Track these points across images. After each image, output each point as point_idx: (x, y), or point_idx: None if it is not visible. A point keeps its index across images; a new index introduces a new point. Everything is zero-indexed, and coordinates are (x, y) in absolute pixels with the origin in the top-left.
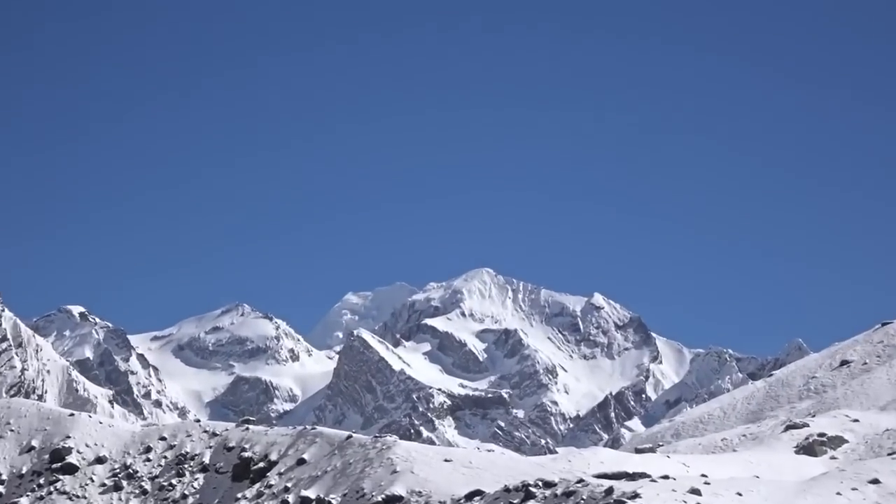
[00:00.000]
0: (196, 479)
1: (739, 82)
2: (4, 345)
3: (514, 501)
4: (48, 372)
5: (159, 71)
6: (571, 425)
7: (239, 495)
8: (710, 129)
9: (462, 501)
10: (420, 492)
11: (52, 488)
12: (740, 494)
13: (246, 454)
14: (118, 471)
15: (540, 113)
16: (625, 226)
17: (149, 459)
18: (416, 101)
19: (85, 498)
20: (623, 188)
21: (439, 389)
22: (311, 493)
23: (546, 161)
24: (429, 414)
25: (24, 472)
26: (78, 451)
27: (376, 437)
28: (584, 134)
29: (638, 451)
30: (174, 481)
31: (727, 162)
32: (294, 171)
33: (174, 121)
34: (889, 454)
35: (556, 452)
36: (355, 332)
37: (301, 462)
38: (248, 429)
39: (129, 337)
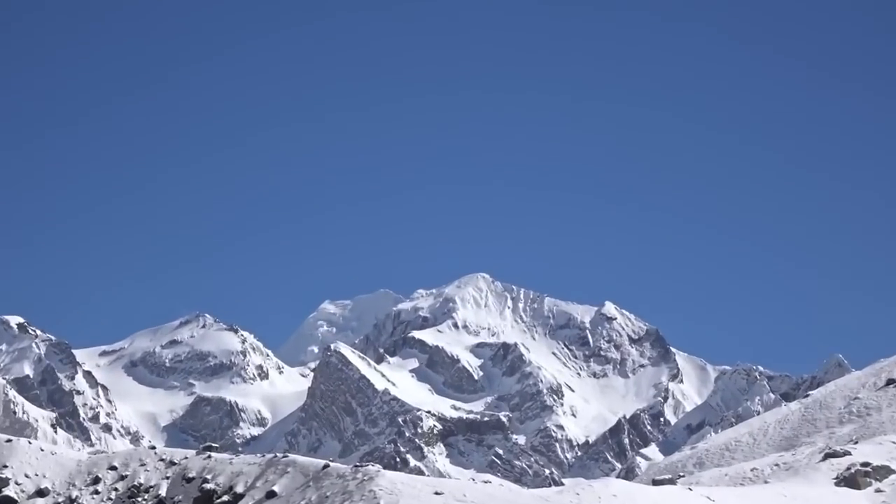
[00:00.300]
0: None
1: (766, 76)
2: None
3: None
4: None
5: (116, 70)
6: (579, 453)
7: None
8: (736, 127)
9: None
10: None
11: None
12: None
13: (208, 486)
14: None
15: (543, 102)
16: (639, 227)
17: (97, 492)
18: (403, 87)
19: None
20: (637, 185)
21: (428, 412)
22: None
23: (550, 155)
24: (417, 440)
25: None
26: (16, 483)
27: (357, 466)
28: (593, 126)
29: (656, 482)
30: None
31: (757, 161)
32: (264, 166)
33: (128, 119)
34: None
35: (563, 484)
36: (332, 347)
37: (271, 495)
38: (210, 457)
39: (75, 352)
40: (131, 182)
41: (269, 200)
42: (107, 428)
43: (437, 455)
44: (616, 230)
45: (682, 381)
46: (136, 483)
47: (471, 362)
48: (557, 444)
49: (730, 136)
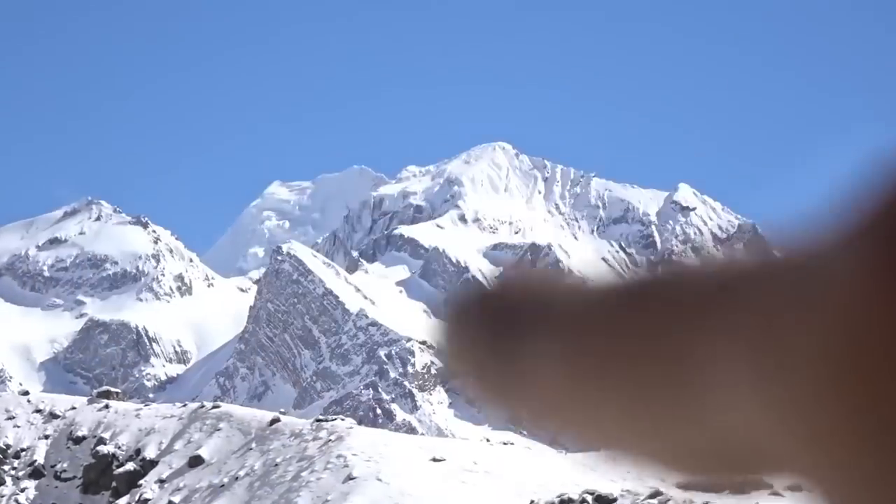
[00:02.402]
0: (23, 489)
1: None
2: None
3: None
4: None
5: None
6: None
7: None
8: None
9: None
10: None
11: None
12: None
13: (105, 449)
14: None
15: None
16: (730, 86)
17: None
18: None
19: None
20: (727, 22)
21: (424, 343)
22: None
23: None
24: (406, 383)
25: None
26: None
27: (320, 420)
28: None
29: None
30: None
31: None
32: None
33: None
34: None
35: None
36: (285, 248)
37: (196, 462)
38: (107, 406)
39: None
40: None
41: (194, 42)
42: None
43: (437, 405)
44: (695, 88)
45: None
46: (0, 444)
47: (485, 271)
48: None
49: None
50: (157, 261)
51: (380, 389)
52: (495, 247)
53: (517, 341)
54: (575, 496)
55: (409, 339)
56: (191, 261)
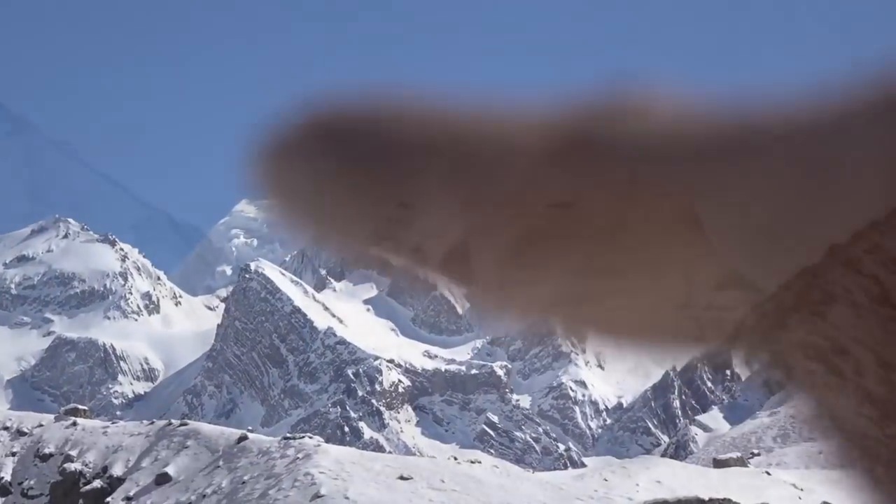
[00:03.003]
0: None
1: None
2: None
3: None
4: None
5: None
6: (609, 421)
7: None
8: None
9: None
10: None
11: None
12: None
13: (72, 466)
14: None
15: None
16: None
17: None
18: None
19: None
20: None
21: (391, 361)
22: None
23: None
24: (374, 401)
25: None
26: None
27: (287, 438)
28: None
29: (718, 462)
30: None
31: None
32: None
33: None
34: None
35: (584, 465)
36: (253, 266)
37: (163, 479)
38: (75, 424)
39: None
40: None
41: (163, 62)
42: None
43: (404, 423)
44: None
45: None
46: None
47: (453, 289)
48: (577, 409)
49: None
50: (125, 279)
51: (347, 407)
52: None
53: (396, 177)
54: None
55: (376, 358)
56: (158, 279)
